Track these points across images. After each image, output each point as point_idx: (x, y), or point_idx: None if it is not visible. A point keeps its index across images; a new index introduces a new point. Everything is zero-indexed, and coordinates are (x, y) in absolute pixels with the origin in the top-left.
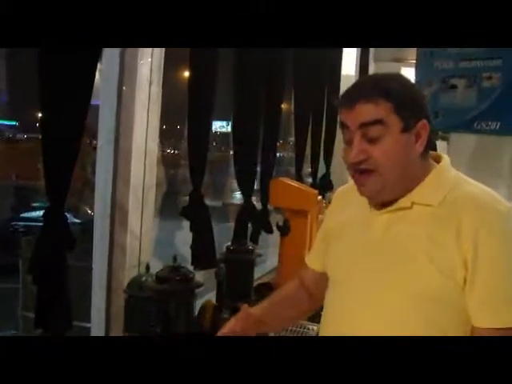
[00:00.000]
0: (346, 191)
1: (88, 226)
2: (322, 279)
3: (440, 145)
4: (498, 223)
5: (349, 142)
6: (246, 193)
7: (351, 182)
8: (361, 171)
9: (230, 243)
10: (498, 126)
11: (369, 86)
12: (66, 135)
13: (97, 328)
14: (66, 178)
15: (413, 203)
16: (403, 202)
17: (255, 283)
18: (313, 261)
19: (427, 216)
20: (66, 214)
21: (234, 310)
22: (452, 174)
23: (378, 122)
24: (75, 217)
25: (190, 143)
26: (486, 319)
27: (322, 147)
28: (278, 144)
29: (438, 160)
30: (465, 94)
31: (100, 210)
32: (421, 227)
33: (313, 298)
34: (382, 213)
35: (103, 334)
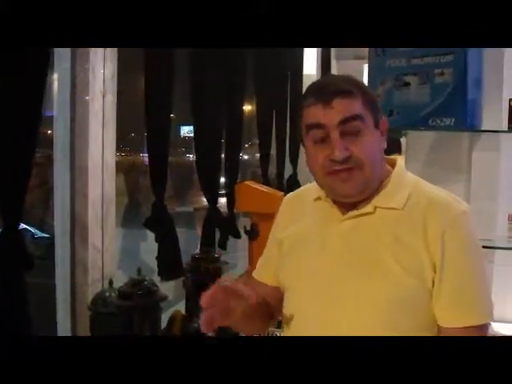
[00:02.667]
0: (295, 199)
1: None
2: (275, 293)
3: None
4: (463, 224)
5: (321, 141)
6: (211, 198)
7: (299, 189)
8: (345, 170)
9: (196, 251)
10: (452, 122)
11: (341, 81)
12: (17, 151)
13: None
14: (19, 195)
15: (376, 207)
16: (366, 207)
17: None
18: (263, 275)
19: (392, 219)
20: (32, 228)
21: None
22: (409, 176)
23: (357, 116)
24: (42, 231)
25: (150, 153)
26: (453, 319)
27: (287, 148)
28: (243, 146)
29: (391, 163)
30: (418, 91)
31: (60, 226)
32: (386, 230)
33: (269, 313)
34: (342, 219)
35: None
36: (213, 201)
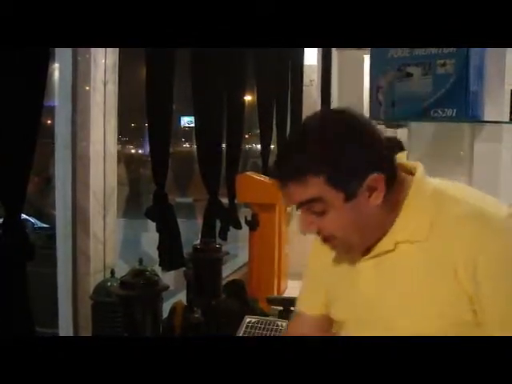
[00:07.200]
0: None
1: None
2: (325, 321)
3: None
4: (496, 244)
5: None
6: (212, 189)
7: None
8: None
9: (197, 242)
10: (454, 113)
11: (293, 162)
12: (18, 140)
13: (65, 335)
14: (20, 184)
15: (397, 243)
16: (385, 244)
17: (227, 279)
18: (309, 306)
19: (416, 254)
20: (32, 218)
21: (205, 310)
22: (430, 190)
23: (314, 199)
24: (42, 221)
25: (151, 142)
26: None
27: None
28: (244, 137)
29: (410, 171)
30: (420, 81)
31: (61, 216)
32: (412, 269)
33: None
34: (366, 258)
35: None
36: (214, 192)
